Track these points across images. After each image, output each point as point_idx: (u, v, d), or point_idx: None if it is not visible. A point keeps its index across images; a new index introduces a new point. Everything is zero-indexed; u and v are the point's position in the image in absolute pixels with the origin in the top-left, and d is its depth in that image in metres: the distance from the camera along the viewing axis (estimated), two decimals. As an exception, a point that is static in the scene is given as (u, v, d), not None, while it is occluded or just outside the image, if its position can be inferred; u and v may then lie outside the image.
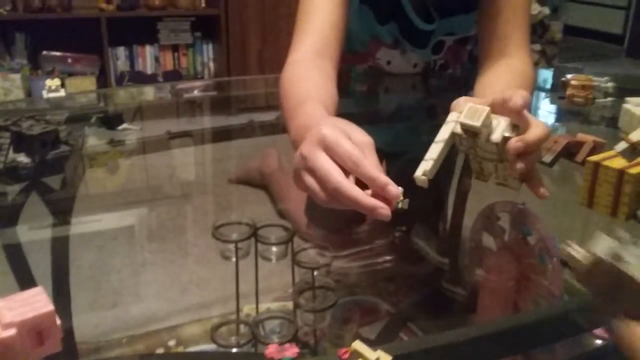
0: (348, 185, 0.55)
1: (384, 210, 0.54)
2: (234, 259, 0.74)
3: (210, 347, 0.76)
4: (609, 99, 1.32)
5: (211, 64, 3.64)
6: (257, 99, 2.24)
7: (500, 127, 0.64)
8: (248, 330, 0.74)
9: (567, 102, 1.31)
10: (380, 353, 0.42)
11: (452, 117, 0.67)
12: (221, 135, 1.69)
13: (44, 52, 3.25)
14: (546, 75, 1.58)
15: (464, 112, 0.64)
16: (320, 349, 0.77)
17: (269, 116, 1.65)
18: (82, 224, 1.22)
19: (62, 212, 1.02)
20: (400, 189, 0.56)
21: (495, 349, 0.54)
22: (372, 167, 0.56)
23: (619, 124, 1.16)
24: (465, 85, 1.10)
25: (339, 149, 0.57)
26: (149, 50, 3.51)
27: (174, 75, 3.55)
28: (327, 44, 0.90)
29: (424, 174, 0.63)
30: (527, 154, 0.63)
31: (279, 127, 1.43)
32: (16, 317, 0.36)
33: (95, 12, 3.25)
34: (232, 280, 0.76)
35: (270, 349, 0.43)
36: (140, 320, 1.48)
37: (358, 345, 0.42)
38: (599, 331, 0.59)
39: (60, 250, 1.04)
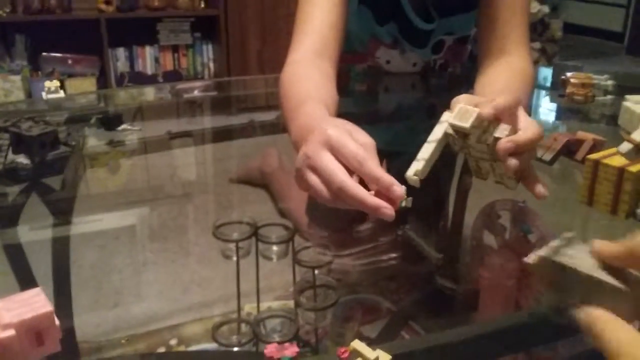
0: (353, 185, 0.55)
1: (388, 210, 0.55)
2: (234, 258, 0.74)
3: (211, 346, 0.76)
4: (609, 96, 1.32)
5: (211, 64, 3.64)
6: (257, 98, 2.24)
7: (491, 128, 0.64)
8: (249, 329, 0.74)
9: (567, 100, 1.31)
10: (379, 352, 0.42)
11: (445, 117, 0.67)
12: (221, 135, 1.69)
13: (44, 54, 3.26)
14: (546, 73, 1.58)
15: (454, 113, 0.65)
16: (321, 348, 0.77)
17: (269, 116, 1.66)
18: (83, 224, 1.22)
19: (62, 212, 1.03)
20: (404, 189, 0.56)
21: (496, 347, 0.54)
22: (377, 167, 0.57)
23: (619, 121, 1.16)
24: (466, 84, 1.10)
25: (343, 149, 0.57)
26: (148, 51, 3.51)
27: (174, 76, 3.55)
28: (327, 44, 0.90)
29: (415, 174, 0.63)
30: (519, 154, 0.63)
31: (279, 127, 1.43)
32: (15, 318, 0.36)
33: (94, 13, 3.25)
34: (233, 279, 0.76)
35: (270, 348, 0.43)
36: (141, 319, 1.49)
37: (357, 344, 0.42)
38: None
39: (61, 250, 1.04)
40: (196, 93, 1.75)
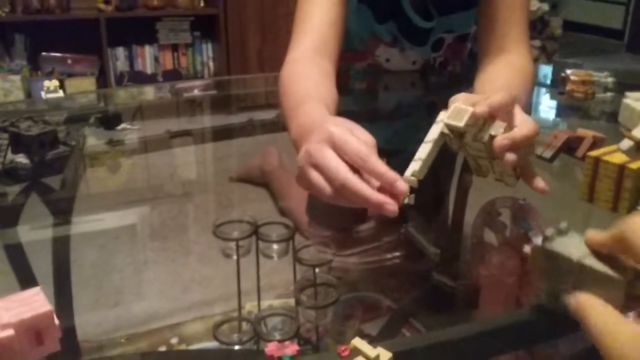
0: (356, 181, 0.55)
1: (391, 206, 0.55)
2: (235, 257, 0.74)
3: (212, 344, 0.76)
4: (609, 93, 1.32)
5: (211, 63, 3.64)
6: (257, 97, 2.24)
7: (487, 126, 0.64)
8: (250, 328, 0.74)
9: (567, 98, 1.31)
10: (380, 350, 0.42)
11: (441, 116, 0.67)
12: (221, 133, 1.69)
13: (44, 53, 3.26)
14: (546, 71, 1.58)
15: (449, 113, 0.65)
16: (322, 346, 0.77)
17: (269, 114, 1.66)
18: (83, 224, 1.22)
19: (62, 212, 1.03)
20: (407, 185, 0.56)
21: (497, 344, 0.54)
22: (381, 163, 0.57)
23: (619, 118, 1.16)
24: (465, 82, 1.10)
25: (346, 146, 0.57)
26: (148, 50, 3.51)
27: (173, 75, 3.55)
28: (326, 42, 0.90)
29: (413, 175, 0.63)
30: (515, 151, 0.63)
31: (280, 125, 1.43)
32: (14, 318, 0.36)
33: (94, 12, 3.25)
34: (234, 278, 0.76)
35: (270, 347, 0.43)
36: (142, 318, 1.49)
37: (358, 342, 0.42)
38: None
39: (61, 249, 1.04)
40: (196, 92, 1.75)
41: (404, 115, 1.32)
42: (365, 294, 1.02)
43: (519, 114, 0.67)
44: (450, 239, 1.15)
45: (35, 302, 0.37)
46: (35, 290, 0.39)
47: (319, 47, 0.89)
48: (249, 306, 0.83)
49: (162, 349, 1.05)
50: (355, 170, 0.58)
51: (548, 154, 1.01)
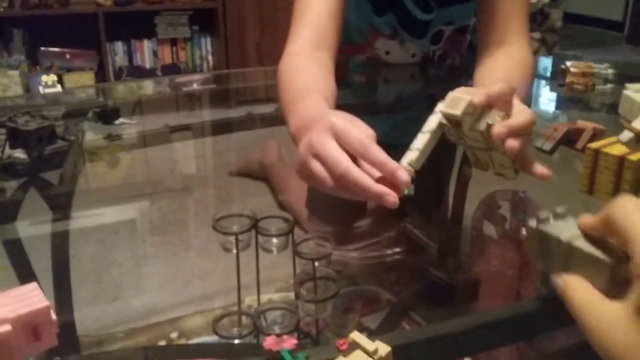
0: (357, 172, 0.55)
1: (392, 197, 0.54)
2: (234, 251, 0.74)
3: (212, 338, 0.76)
4: (609, 85, 1.32)
5: (210, 57, 3.63)
6: (256, 91, 2.23)
7: (484, 116, 0.64)
8: (250, 322, 0.74)
9: (567, 90, 1.31)
10: (378, 343, 0.42)
11: (439, 107, 0.67)
12: (221, 128, 1.69)
13: (42, 48, 3.25)
14: (546, 63, 1.58)
15: (446, 102, 0.65)
16: (322, 339, 0.77)
17: (268, 108, 1.65)
18: (82, 219, 1.22)
19: (61, 207, 1.02)
20: (408, 175, 0.56)
21: (497, 337, 0.54)
22: (382, 153, 0.57)
23: (619, 110, 1.16)
24: (465, 75, 1.10)
25: (348, 136, 0.57)
26: (147, 45, 3.50)
27: (172, 69, 3.54)
28: (324, 35, 0.89)
29: (409, 164, 0.63)
30: (514, 139, 0.63)
31: (279, 119, 1.43)
32: (10, 313, 0.36)
33: (92, 7, 3.24)
34: (234, 272, 0.76)
35: (269, 341, 0.43)
36: (142, 312, 1.49)
37: (356, 335, 0.42)
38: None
39: (60, 244, 1.04)
40: (195, 86, 1.75)
41: (404, 109, 1.31)
42: (364, 287, 1.03)
43: (516, 104, 0.67)
44: (450, 232, 1.15)
45: (32, 297, 0.37)
46: (32, 286, 0.39)
47: (318, 40, 0.89)
48: (249, 300, 0.83)
49: (162, 343, 1.05)
50: (357, 163, 0.58)
51: (548, 146, 1.01)
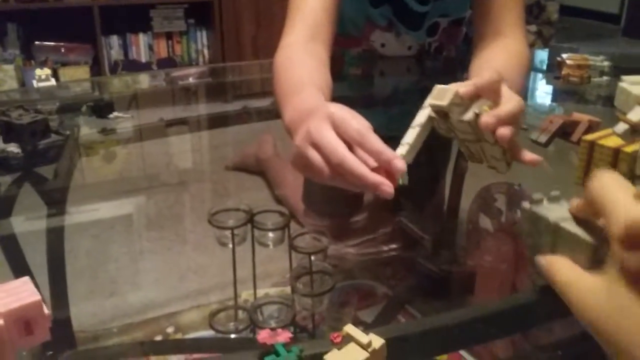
0: (353, 160, 0.55)
1: (388, 187, 0.54)
2: (230, 246, 0.74)
3: (208, 333, 0.76)
4: (605, 77, 1.31)
5: (205, 51, 3.62)
6: (252, 84, 2.23)
7: (472, 106, 0.64)
8: (246, 316, 0.74)
9: (563, 82, 1.31)
10: (372, 336, 0.42)
11: (428, 101, 0.66)
12: (217, 121, 1.69)
13: (37, 43, 3.23)
14: (542, 56, 1.57)
15: (433, 94, 0.64)
16: (318, 333, 0.77)
17: (264, 102, 1.65)
18: (78, 214, 1.22)
19: (56, 202, 1.02)
20: (404, 163, 0.56)
21: (492, 329, 0.54)
22: (379, 141, 0.57)
23: (615, 102, 1.16)
24: (460, 67, 1.10)
25: (345, 125, 0.57)
26: (142, 39, 3.49)
27: (168, 63, 3.53)
28: (319, 28, 0.89)
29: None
30: (504, 128, 0.63)
31: (275, 113, 1.42)
32: (2, 308, 0.36)
33: (87, 0, 3.22)
34: (230, 266, 0.76)
35: (263, 334, 0.43)
36: (138, 308, 1.49)
37: (350, 328, 0.42)
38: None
39: (55, 240, 1.04)
40: (190, 80, 1.74)
41: (400, 101, 1.31)
42: (361, 281, 1.03)
43: (505, 92, 0.66)
44: (446, 225, 1.15)
45: (23, 292, 0.37)
46: (23, 280, 0.39)
47: (313, 33, 0.88)
48: (245, 294, 0.83)
49: (159, 338, 1.05)
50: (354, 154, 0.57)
51: (543, 138, 1.01)
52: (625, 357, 0.36)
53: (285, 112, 0.73)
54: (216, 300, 1.29)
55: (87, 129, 1.19)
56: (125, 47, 3.46)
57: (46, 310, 0.37)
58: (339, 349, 0.42)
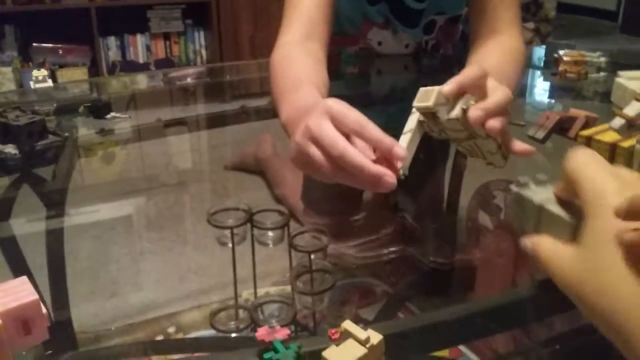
0: (354, 152, 0.55)
1: (390, 177, 0.54)
2: (230, 245, 0.74)
3: (209, 332, 0.76)
4: (602, 73, 1.31)
5: (203, 51, 3.62)
6: (250, 84, 2.22)
7: (458, 103, 0.64)
8: (247, 315, 0.74)
9: (560, 78, 1.31)
10: (370, 332, 0.42)
11: (413, 104, 0.66)
12: (215, 121, 1.68)
13: (35, 44, 3.23)
14: (539, 53, 1.57)
15: (417, 96, 0.64)
16: (319, 331, 0.77)
17: (262, 101, 1.65)
18: (77, 215, 1.22)
19: (55, 203, 1.02)
20: (405, 150, 0.56)
21: (492, 324, 0.54)
22: (379, 130, 0.56)
23: (612, 98, 1.16)
24: (457, 65, 1.10)
25: (344, 116, 0.57)
26: (140, 39, 3.49)
27: (166, 64, 3.53)
28: (315, 26, 0.89)
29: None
30: (493, 119, 0.62)
31: (273, 112, 1.42)
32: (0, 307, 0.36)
33: (84, 2, 3.22)
34: (230, 266, 0.76)
35: (261, 332, 0.43)
36: (139, 308, 1.49)
37: (348, 325, 0.42)
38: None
39: (55, 241, 1.04)
40: (188, 80, 1.74)
41: (397, 100, 1.31)
42: (361, 279, 1.03)
43: (490, 84, 0.65)
44: (445, 222, 1.15)
45: (21, 291, 0.37)
46: (21, 280, 0.39)
47: (309, 31, 0.89)
48: (246, 294, 0.83)
49: (160, 338, 1.05)
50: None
51: (540, 134, 1.01)
52: (605, 319, 0.38)
53: (282, 110, 0.73)
54: (217, 300, 1.28)
55: (84, 130, 1.18)
56: (122, 48, 3.46)
57: (44, 310, 0.37)
58: (337, 345, 0.42)
